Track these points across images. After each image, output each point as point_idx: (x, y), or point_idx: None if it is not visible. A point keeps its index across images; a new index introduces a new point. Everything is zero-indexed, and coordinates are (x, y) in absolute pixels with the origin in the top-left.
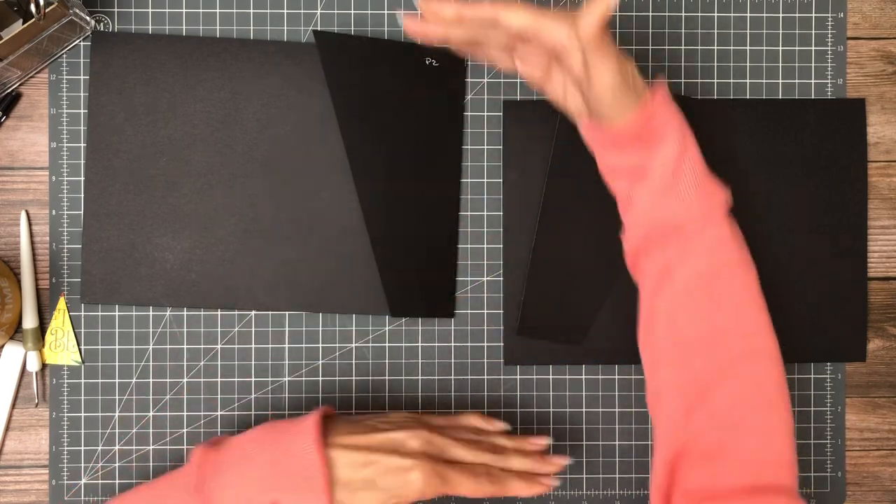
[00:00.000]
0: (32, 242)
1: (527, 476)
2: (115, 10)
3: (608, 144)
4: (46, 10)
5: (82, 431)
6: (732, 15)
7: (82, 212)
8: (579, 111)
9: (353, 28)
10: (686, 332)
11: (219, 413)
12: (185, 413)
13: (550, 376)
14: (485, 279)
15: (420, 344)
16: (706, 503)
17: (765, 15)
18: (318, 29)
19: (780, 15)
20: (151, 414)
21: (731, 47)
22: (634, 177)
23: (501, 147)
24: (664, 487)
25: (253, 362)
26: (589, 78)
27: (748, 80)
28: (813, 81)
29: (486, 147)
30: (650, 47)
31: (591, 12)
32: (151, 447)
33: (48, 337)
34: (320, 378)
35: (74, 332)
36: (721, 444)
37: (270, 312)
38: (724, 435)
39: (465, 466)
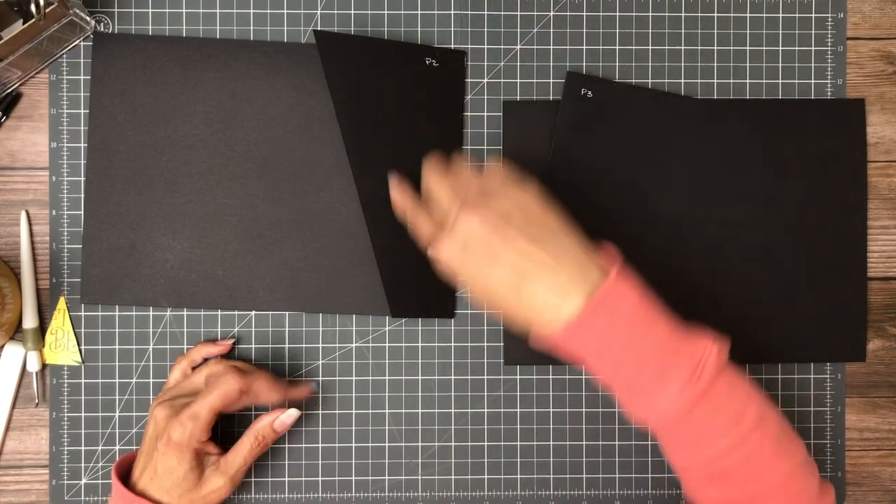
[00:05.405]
0: (32, 242)
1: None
2: (115, 10)
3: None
4: (46, 11)
5: (82, 431)
6: (732, 15)
7: (82, 212)
8: None
9: (353, 28)
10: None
11: None
12: None
13: (550, 376)
14: None
15: (420, 344)
16: None
17: (765, 15)
18: (318, 29)
19: (780, 15)
20: None
21: (731, 47)
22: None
23: (501, 147)
24: None
25: (253, 362)
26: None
27: (748, 80)
28: (813, 81)
29: (486, 147)
30: (650, 47)
31: None
32: None
33: (48, 337)
34: (320, 378)
35: (74, 332)
36: None
37: (270, 312)
38: None
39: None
